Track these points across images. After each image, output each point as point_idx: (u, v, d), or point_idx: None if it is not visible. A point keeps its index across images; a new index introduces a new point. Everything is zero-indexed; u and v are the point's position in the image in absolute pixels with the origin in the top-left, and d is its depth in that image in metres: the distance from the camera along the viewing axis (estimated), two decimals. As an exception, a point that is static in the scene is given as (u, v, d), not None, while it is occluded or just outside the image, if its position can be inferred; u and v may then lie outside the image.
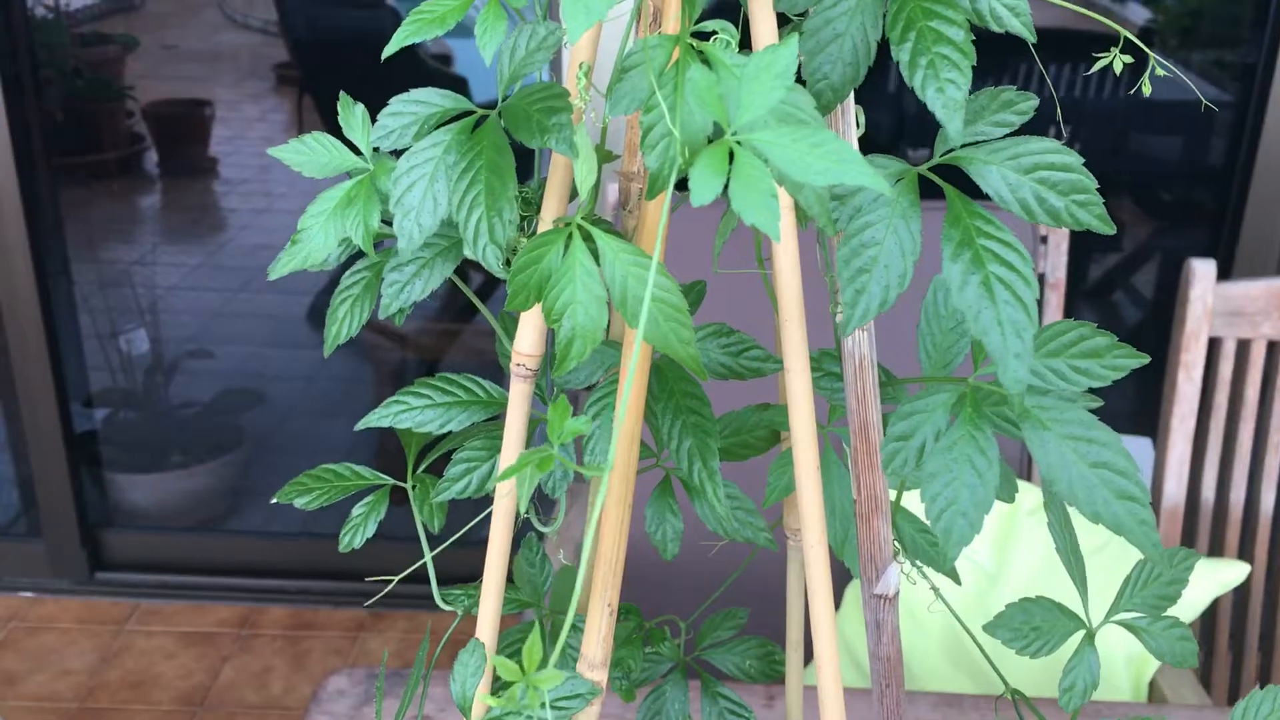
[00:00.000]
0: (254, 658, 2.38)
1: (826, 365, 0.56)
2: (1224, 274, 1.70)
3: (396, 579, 0.60)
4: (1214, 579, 1.54)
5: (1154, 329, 2.61)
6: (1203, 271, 1.67)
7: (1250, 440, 1.70)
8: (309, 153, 0.52)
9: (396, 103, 0.49)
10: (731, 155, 0.37)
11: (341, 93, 0.52)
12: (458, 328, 2.77)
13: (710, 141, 0.40)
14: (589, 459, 0.54)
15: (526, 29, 0.48)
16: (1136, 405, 2.47)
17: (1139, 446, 2.08)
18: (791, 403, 0.49)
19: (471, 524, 0.65)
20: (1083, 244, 2.40)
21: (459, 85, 2.79)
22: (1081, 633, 0.59)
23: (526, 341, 0.51)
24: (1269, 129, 2.15)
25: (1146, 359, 0.48)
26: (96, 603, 2.52)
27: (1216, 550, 1.71)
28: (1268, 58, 2.16)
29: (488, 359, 2.63)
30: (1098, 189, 0.45)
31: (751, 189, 0.36)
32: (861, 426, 0.52)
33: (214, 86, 3.03)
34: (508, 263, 0.47)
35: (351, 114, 0.52)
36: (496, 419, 0.58)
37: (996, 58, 2.31)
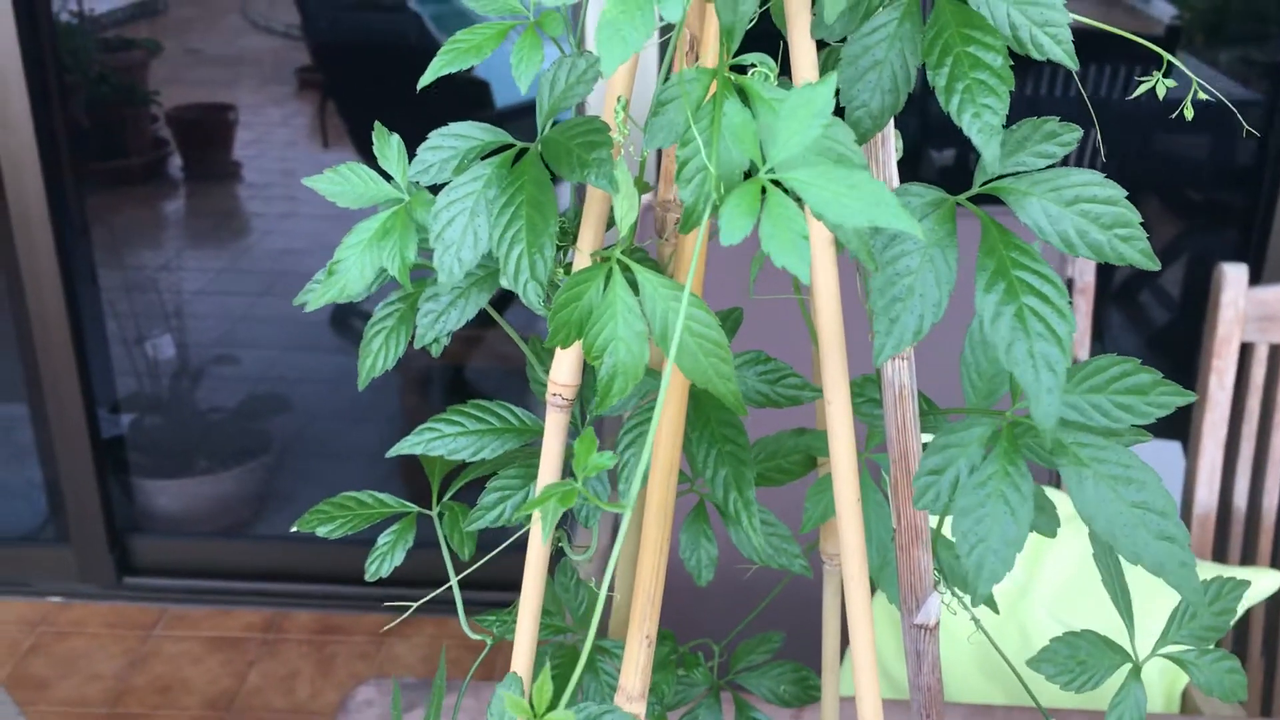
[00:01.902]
0: (280, 663, 2.39)
1: (868, 392, 0.55)
2: (1254, 276, 1.69)
3: (417, 604, 0.60)
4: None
5: (1183, 331, 2.59)
6: (1234, 276, 1.65)
7: (1283, 447, 1.68)
8: (344, 183, 0.52)
9: (435, 136, 0.49)
10: (764, 193, 0.37)
11: (376, 123, 0.52)
12: (484, 332, 2.77)
13: (747, 176, 0.40)
14: (622, 487, 0.54)
15: (566, 62, 0.48)
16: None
17: (1169, 452, 2.06)
18: (832, 435, 0.48)
19: (495, 550, 0.65)
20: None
21: (481, 90, 2.79)
22: (1127, 666, 0.58)
23: (564, 371, 0.51)
24: (1299, 129, 2.13)
25: (1192, 397, 0.47)
26: (124, 607, 2.53)
27: (1249, 559, 1.69)
28: (1297, 57, 2.13)
29: (514, 365, 2.63)
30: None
31: (782, 229, 0.36)
32: (901, 455, 0.51)
33: (237, 91, 3.05)
34: (548, 297, 0.46)
35: (387, 144, 0.51)
36: (529, 446, 0.58)
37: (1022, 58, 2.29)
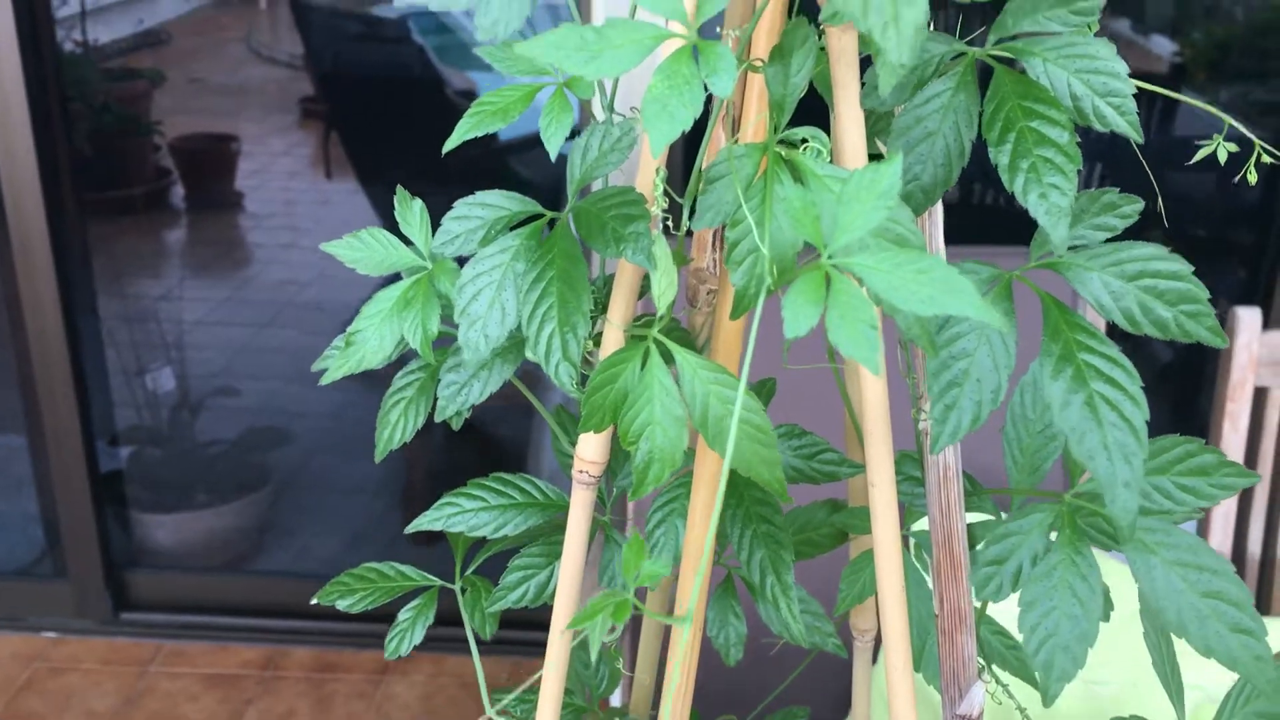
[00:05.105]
0: (277, 700, 2.35)
1: (908, 469, 0.53)
2: (1264, 320, 1.67)
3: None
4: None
5: (1188, 369, 2.57)
6: (1248, 320, 1.64)
7: (1299, 494, 1.66)
8: (364, 249, 0.50)
9: (461, 206, 0.46)
10: (827, 280, 0.34)
11: (399, 188, 0.49)
12: (485, 366, 2.73)
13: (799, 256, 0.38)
14: (651, 566, 0.51)
15: (599, 128, 0.45)
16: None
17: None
18: (876, 519, 0.46)
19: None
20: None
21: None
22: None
23: (591, 449, 0.49)
24: (1311, 170, 2.12)
25: (1257, 478, 0.45)
26: (120, 643, 2.49)
27: (1263, 608, 1.67)
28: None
29: (518, 401, 2.60)
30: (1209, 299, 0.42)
31: (850, 319, 0.33)
32: (945, 538, 0.49)
33: (240, 121, 3.03)
34: (581, 378, 0.44)
35: (409, 211, 0.49)
36: (553, 520, 0.55)
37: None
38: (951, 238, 0.49)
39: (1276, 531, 1.67)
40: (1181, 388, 2.56)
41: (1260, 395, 1.66)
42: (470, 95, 2.86)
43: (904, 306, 0.32)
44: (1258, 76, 2.38)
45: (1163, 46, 2.43)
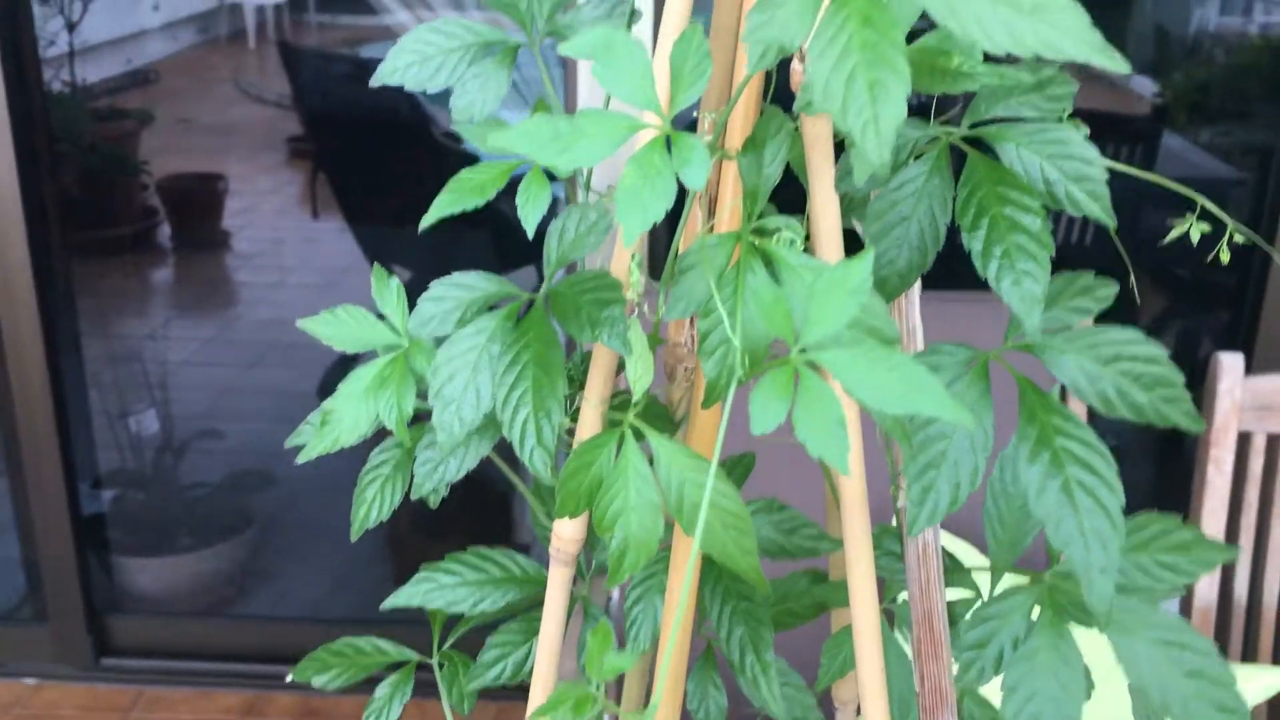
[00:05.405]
0: (260, 747, 2.33)
1: (887, 544, 0.52)
2: (1245, 363, 1.68)
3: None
4: (1248, 687, 1.49)
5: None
6: (1230, 365, 1.64)
7: (1285, 539, 1.66)
8: (340, 326, 0.49)
9: (438, 286, 0.46)
10: (797, 376, 0.34)
11: (375, 265, 0.49)
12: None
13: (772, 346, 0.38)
14: (632, 644, 0.51)
15: (575, 211, 0.45)
16: (1160, 500, 2.42)
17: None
18: (855, 604, 0.45)
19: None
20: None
21: (470, 162, 2.77)
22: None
23: (569, 527, 0.48)
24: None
25: (1237, 552, 0.44)
26: (101, 689, 2.47)
27: (1250, 655, 1.66)
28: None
29: (503, 449, 2.59)
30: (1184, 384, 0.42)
31: (818, 417, 0.33)
32: (925, 615, 0.49)
33: (228, 160, 3.04)
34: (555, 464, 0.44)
35: (386, 289, 0.49)
36: (532, 596, 0.55)
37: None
38: (940, 282, 0.49)
39: (1262, 578, 1.67)
40: (1166, 431, 2.56)
41: (1244, 440, 1.66)
42: (457, 136, 2.86)
43: (874, 405, 0.32)
44: (1238, 116, 2.40)
45: (1144, 87, 2.45)
